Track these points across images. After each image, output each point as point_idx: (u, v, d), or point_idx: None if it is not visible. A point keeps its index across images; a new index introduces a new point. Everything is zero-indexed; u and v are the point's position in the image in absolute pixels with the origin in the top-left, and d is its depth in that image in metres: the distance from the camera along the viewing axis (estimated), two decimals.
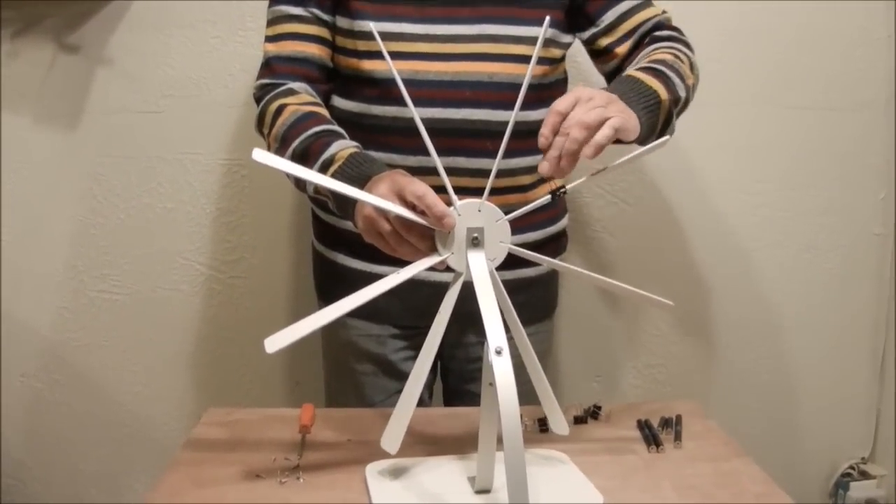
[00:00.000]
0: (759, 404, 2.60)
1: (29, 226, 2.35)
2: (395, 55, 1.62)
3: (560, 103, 1.33)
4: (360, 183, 1.39)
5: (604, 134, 1.31)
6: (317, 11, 1.70)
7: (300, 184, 1.60)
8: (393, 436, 1.32)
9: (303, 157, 1.53)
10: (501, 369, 1.12)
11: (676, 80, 1.59)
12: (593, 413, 1.66)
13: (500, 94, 1.66)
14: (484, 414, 1.29)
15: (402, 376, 1.80)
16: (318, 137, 1.54)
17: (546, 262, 1.39)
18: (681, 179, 2.43)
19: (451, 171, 1.41)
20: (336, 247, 1.84)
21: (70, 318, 2.42)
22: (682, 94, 1.60)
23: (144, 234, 2.36)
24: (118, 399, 2.47)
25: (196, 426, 1.59)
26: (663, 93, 1.54)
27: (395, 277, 1.24)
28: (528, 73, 1.23)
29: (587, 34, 1.77)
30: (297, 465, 1.41)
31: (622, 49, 1.75)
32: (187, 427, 2.34)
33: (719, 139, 2.40)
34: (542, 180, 1.78)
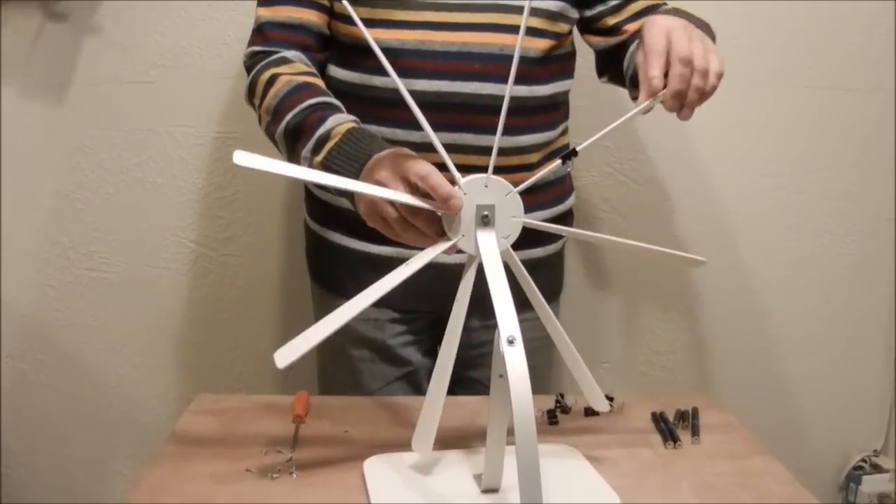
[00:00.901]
0: (769, 394, 2.54)
1: (13, 200, 2.27)
2: (401, 24, 1.54)
3: (656, 43, 1.31)
4: (360, 162, 1.31)
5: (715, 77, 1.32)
6: None
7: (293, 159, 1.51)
8: (424, 437, 1.25)
9: (296, 132, 1.44)
10: (514, 360, 1.03)
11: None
12: None
13: (509, 67, 1.56)
14: (493, 408, 1.20)
15: (400, 362, 1.76)
16: (312, 111, 1.45)
17: (570, 232, 1.35)
18: (693, 160, 2.35)
19: (457, 149, 1.35)
20: (330, 225, 1.75)
21: (55, 297, 2.35)
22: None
23: (133, 209, 2.28)
24: (105, 381, 2.40)
25: (183, 415, 1.51)
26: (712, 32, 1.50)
27: (405, 270, 1.15)
28: (517, 50, 1.16)
29: (594, 11, 1.71)
30: (289, 458, 1.34)
31: (632, 27, 1.68)
32: (176, 411, 2.29)
33: (733, 119, 2.32)
34: (550, 157, 1.71)
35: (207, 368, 2.40)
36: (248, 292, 2.35)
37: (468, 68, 1.56)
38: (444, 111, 1.42)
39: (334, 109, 1.46)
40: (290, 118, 1.46)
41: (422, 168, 1.17)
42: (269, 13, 1.62)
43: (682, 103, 1.31)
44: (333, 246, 1.74)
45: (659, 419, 1.52)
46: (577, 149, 1.22)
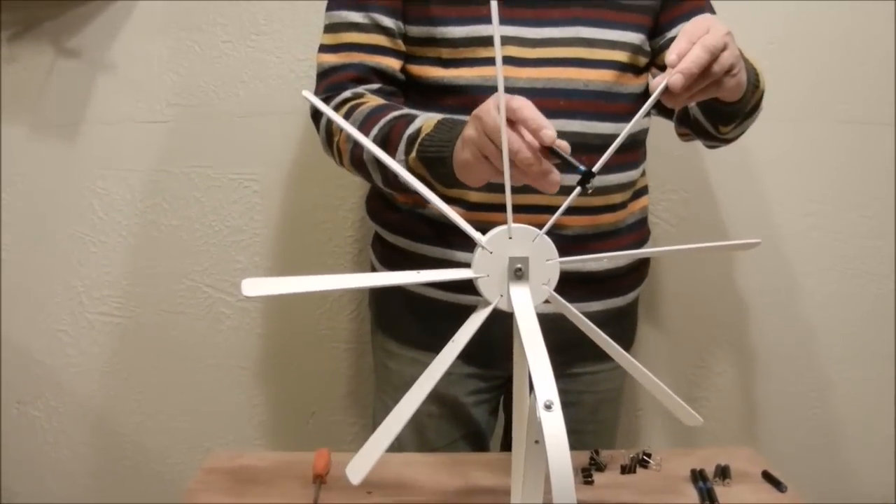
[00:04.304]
0: (807, 439, 2.46)
1: (25, 243, 2.23)
2: (482, 61, 1.50)
3: (693, 29, 1.25)
4: (454, 140, 1.30)
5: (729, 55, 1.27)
6: (378, 17, 1.55)
7: (389, 180, 1.48)
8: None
9: (384, 144, 1.40)
10: (552, 427, 0.95)
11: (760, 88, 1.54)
12: (642, 461, 1.51)
13: (596, 103, 1.53)
14: (528, 474, 1.12)
15: (467, 421, 1.70)
16: (397, 120, 1.42)
17: (616, 256, 1.38)
18: (727, 200, 2.29)
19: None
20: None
21: (69, 342, 2.29)
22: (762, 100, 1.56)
23: (148, 253, 2.24)
24: (119, 429, 2.35)
25: (197, 474, 1.44)
26: (762, 83, 1.47)
27: (452, 347, 1.09)
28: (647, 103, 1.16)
29: (652, 42, 1.66)
30: None
31: None
32: (193, 460, 2.25)
33: (768, 157, 2.26)
34: (634, 197, 1.67)
35: (225, 417, 2.33)
36: (267, 339, 2.29)
37: (553, 105, 1.50)
38: None
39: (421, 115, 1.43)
40: (375, 132, 1.42)
41: (516, 101, 1.15)
42: (336, 58, 1.57)
43: (686, 85, 1.22)
44: (408, 294, 1.66)
45: (698, 477, 1.45)
46: (594, 169, 1.13)
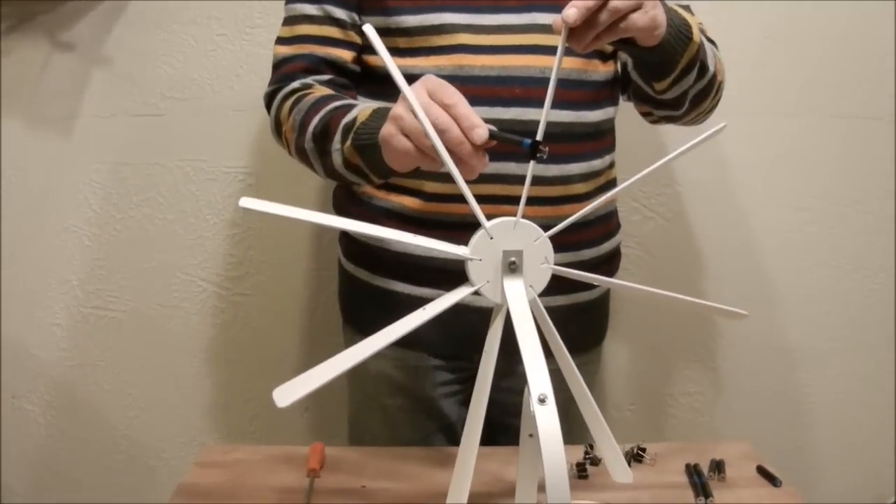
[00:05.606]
0: (802, 434, 2.46)
1: (19, 237, 2.22)
2: (438, 50, 1.49)
3: None
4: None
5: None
6: (331, 9, 1.57)
7: (328, 170, 1.47)
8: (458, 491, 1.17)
9: (324, 133, 1.41)
10: (546, 420, 0.95)
11: (708, 47, 1.47)
12: (637, 456, 1.50)
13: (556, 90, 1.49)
14: (522, 469, 1.13)
15: (439, 415, 1.68)
16: (337, 110, 1.41)
17: (606, 282, 1.26)
18: (722, 193, 2.28)
19: (501, 178, 1.34)
20: (370, 266, 1.67)
21: (63, 336, 2.29)
22: (711, 64, 1.47)
23: (143, 246, 2.23)
24: (114, 423, 2.35)
25: (190, 468, 1.43)
26: (696, 35, 1.38)
27: (421, 314, 1.07)
28: (554, 68, 1.12)
29: None
30: None
31: None
32: (188, 454, 2.24)
33: (763, 151, 2.25)
34: (600, 189, 1.61)
35: (219, 411, 2.33)
36: (261, 332, 2.29)
37: (508, 93, 1.48)
38: None
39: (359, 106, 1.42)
40: (315, 122, 1.43)
41: (451, 95, 1.13)
42: (289, 50, 1.58)
43: (582, 18, 1.18)
44: (372, 288, 1.66)
45: (693, 472, 1.45)
46: (538, 137, 1.10)
